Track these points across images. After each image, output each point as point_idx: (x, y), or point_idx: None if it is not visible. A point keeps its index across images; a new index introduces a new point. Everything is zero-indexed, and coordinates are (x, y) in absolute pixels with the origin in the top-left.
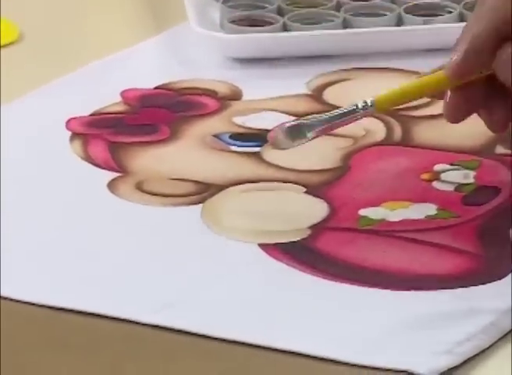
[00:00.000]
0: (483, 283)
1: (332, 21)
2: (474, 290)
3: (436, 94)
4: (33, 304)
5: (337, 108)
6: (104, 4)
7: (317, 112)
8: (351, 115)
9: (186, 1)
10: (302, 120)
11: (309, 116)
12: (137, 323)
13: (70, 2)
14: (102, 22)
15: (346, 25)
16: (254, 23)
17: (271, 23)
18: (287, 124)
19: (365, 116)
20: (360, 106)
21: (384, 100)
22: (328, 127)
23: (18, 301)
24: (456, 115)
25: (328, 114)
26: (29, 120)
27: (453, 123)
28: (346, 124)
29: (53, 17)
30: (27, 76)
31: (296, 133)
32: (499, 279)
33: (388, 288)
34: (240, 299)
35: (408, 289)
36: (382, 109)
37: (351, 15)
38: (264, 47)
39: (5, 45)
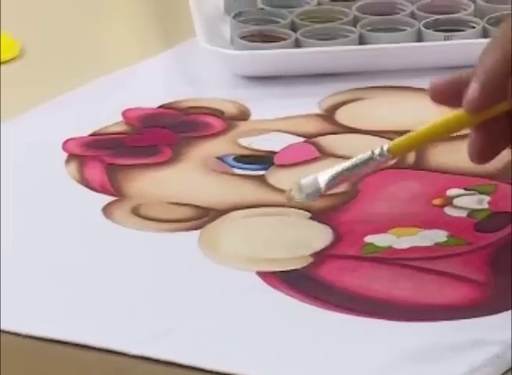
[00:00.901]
0: (490, 314)
1: (348, 37)
2: (480, 321)
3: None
4: (21, 335)
5: (349, 129)
6: (109, 19)
7: (328, 133)
8: (367, 164)
9: (194, 16)
10: (317, 176)
11: (326, 171)
12: (128, 354)
13: (73, 18)
14: (106, 38)
15: (362, 41)
16: (265, 38)
17: (283, 39)
18: (302, 180)
19: (382, 164)
20: (376, 153)
21: (400, 146)
22: (343, 180)
23: (5, 332)
24: (482, 155)
25: (343, 166)
26: (27, 140)
27: (480, 163)
28: (361, 175)
29: (55, 33)
30: (28, 93)
31: (310, 188)
32: (508, 309)
33: (391, 319)
34: (235, 330)
35: (412, 320)
36: (399, 155)
37: (368, 30)
38: (274, 64)
39: (6, 61)
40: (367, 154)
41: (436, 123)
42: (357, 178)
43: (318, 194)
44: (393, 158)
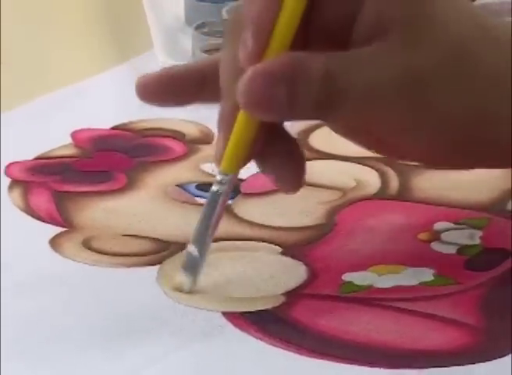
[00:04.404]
0: (482, 361)
1: None
2: (470, 368)
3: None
4: None
5: (325, 154)
6: (55, 29)
7: None
8: (216, 202)
9: (151, 27)
10: (187, 252)
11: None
12: None
13: (16, 29)
14: (52, 50)
15: None
16: None
17: None
18: (182, 266)
19: (231, 189)
20: (216, 188)
21: (231, 162)
22: (211, 232)
23: None
24: (291, 182)
25: (198, 223)
26: None
27: (296, 190)
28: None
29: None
30: None
31: (191, 265)
32: (501, 356)
33: (372, 365)
34: None
35: (395, 366)
36: (238, 169)
37: None
38: None
39: None
40: (209, 194)
41: (241, 121)
42: (220, 219)
43: (198, 264)
44: (236, 174)
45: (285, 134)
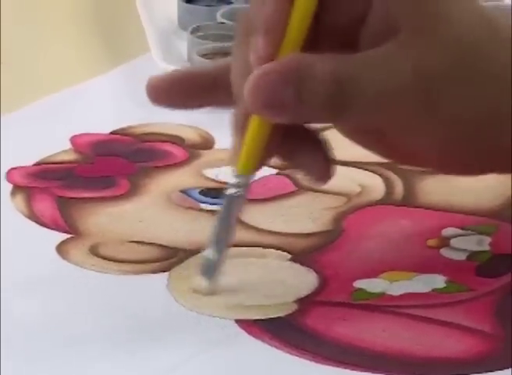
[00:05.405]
0: (499, 369)
1: None
2: None
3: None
4: None
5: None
6: (50, 32)
7: None
8: (232, 205)
9: (147, 31)
10: (203, 256)
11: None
12: None
13: (10, 32)
14: (46, 53)
15: None
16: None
17: None
18: (200, 271)
19: (248, 191)
20: (232, 191)
21: (247, 163)
22: (229, 235)
23: None
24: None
25: (213, 226)
26: None
27: (326, 182)
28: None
29: None
30: None
31: (208, 268)
32: None
33: (388, 373)
34: None
35: (413, 374)
36: (254, 171)
37: None
38: None
39: None
40: (225, 197)
41: (255, 122)
42: (235, 222)
43: (217, 267)
44: (252, 176)
45: (305, 130)
